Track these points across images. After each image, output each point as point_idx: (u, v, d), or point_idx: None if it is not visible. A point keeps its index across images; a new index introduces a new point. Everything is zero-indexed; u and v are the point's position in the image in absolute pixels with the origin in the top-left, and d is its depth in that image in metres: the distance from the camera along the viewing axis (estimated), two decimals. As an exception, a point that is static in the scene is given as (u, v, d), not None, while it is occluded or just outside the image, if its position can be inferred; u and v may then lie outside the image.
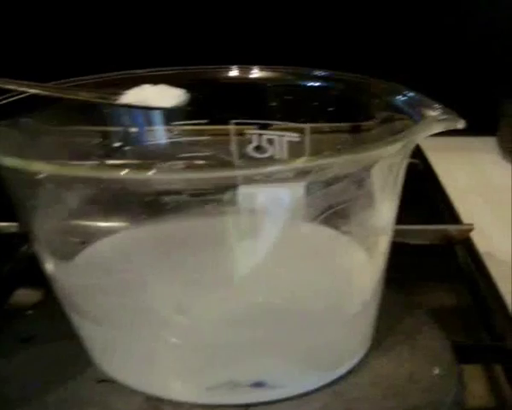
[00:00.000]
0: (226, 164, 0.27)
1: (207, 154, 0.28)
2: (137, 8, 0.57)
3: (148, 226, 0.23)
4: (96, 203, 0.22)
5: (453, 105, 0.25)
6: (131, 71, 0.27)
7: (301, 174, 0.19)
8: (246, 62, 0.29)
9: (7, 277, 0.39)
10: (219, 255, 0.23)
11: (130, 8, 0.57)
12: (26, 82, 0.23)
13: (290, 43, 0.57)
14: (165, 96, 0.23)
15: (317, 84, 0.26)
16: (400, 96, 0.24)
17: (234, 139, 0.27)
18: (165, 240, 0.22)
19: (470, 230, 0.39)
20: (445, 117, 0.21)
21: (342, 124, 0.26)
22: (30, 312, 0.30)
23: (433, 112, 0.21)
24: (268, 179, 0.18)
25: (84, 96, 0.24)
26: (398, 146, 0.20)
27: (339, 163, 0.19)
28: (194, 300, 0.23)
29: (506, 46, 0.57)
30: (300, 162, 0.18)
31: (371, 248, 0.24)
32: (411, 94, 0.23)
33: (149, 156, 0.27)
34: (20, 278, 0.39)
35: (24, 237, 0.43)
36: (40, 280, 0.40)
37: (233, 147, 0.28)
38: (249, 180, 0.19)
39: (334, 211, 0.21)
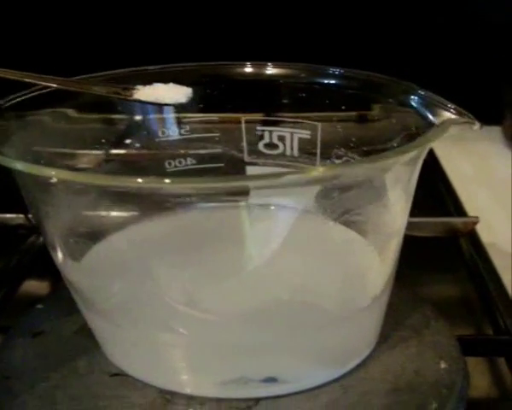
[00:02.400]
0: (237, 162, 0.28)
1: (218, 150, 0.28)
2: (147, 5, 0.57)
3: (160, 220, 0.23)
4: (105, 199, 0.22)
5: (457, 95, 0.25)
6: (144, 67, 0.27)
7: (316, 181, 0.19)
8: (252, 58, 0.29)
9: (15, 268, 0.39)
10: (232, 249, 0.23)
11: (140, 5, 0.57)
12: (43, 76, 0.24)
13: (295, 40, 0.57)
14: (175, 93, 0.24)
15: (330, 81, 0.26)
16: (414, 96, 0.24)
17: (244, 136, 0.28)
18: (177, 233, 0.23)
19: (475, 222, 0.40)
20: (461, 120, 0.21)
21: (350, 113, 0.26)
22: (40, 306, 0.31)
23: (447, 112, 0.22)
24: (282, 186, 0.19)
25: (98, 90, 0.24)
26: (414, 152, 0.20)
27: (355, 172, 0.19)
28: (206, 294, 0.23)
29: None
30: (318, 172, 0.18)
31: (383, 247, 0.24)
32: (424, 93, 0.24)
33: (160, 153, 0.28)
34: (28, 269, 0.39)
35: (30, 228, 0.43)
36: (48, 271, 0.41)
37: (243, 143, 0.28)
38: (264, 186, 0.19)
39: (347, 210, 0.22)
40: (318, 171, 0.18)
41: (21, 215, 0.42)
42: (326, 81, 0.26)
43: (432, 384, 0.25)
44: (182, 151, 0.27)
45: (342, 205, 0.21)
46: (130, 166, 0.27)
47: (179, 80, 0.25)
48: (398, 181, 0.22)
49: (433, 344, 0.27)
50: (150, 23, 0.57)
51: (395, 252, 0.24)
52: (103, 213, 0.23)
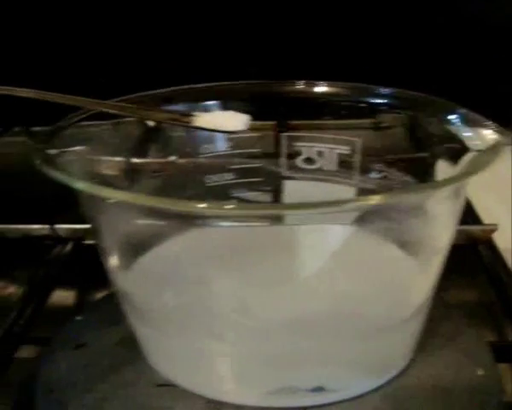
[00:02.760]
0: (275, 177, 0.28)
1: (256, 165, 0.29)
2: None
3: (212, 229, 0.23)
4: (159, 211, 0.23)
5: (466, 99, 0.26)
6: (190, 85, 0.28)
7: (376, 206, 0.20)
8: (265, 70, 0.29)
9: (43, 280, 0.39)
10: (282, 260, 0.24)
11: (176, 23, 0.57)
12: (103, 102, 0.24)
13: (294, 43, 0.57)
14: (234, 120, 0.24)
15: (374, 100, 0.27)
16: (454, 114, 0.25)
17: (284, 151, 0.28)
18: (228, 243, 0.23)
19: (494, 230, 0.41)
20: (504, 139, 0.22)
21: (389, 130, 0.27)
22: (79, 317, 0.31)
23: (486, 130, 0.23)
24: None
25: (158, 117, 0.25)
26: (466, 179, 0.21)
27: (406, 200, 0.20)
28: (256, 302, 0.24)
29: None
30: (371, 201, 0.19)
31: (427, 263, 0.25)
32: (464, 111, 0.24)
33: (201, 167, 0.28)
34: (56, 280, 0.40)
35: (56, 238, 0.44)
36: (75, 282, 0.41)
37: (282, 158, 0.29)
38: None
39: (393, 228, 0.22)
40: (379, 198, 0.19)
41: (47, 226, 0.43)
42: (369, 100, 0.27)
43: (470, 392, 0.26)
44: (221, 166, 0.28)
45: (388, 223, 0.22)
46: (173, 181, 0.28)
47: (225, 97, 0.25)
48: (446, 201, 0.23)
49: (467, 352, 0.28)
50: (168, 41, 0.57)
51: (438, 267, 0.25)
52: (156, 222, 0.23)
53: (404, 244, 0.23)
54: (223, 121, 0.24)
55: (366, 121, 0.27)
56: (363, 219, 0.22)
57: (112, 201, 0.21)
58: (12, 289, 0.41)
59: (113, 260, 0.25)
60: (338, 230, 0.23)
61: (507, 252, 0.42)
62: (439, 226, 0.24)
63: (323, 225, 0.22)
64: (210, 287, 0.24)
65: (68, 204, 0.48)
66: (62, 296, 0.39)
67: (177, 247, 0.23)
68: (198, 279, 0.24)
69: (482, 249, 0.40)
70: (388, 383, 0.26)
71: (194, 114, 0.24)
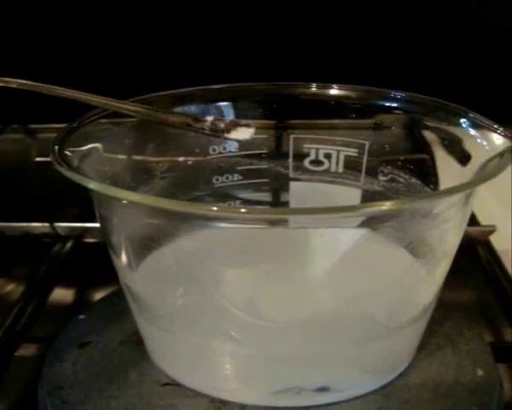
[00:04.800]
0: (282, 178, 0.29)
1: (264, 166, 0.29)
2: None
3: (220, 230, 0.24)
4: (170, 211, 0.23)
5: (463, 100, 0.26)
6: (208, 86, 0.28)
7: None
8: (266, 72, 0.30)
9: (43, 278, 0.39)
10: (290, 261, 0.24)
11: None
12: (123, 103, 0.24)
13: (293, 42, 0.57)
14: (242, 131, 0.25)
15: (383, 103, 0.28)
16: (464, 118, 0.25)
17: (291, 153, 0.29)
18: (239, 243, 0.23)
19: (492, 231, 0.41)
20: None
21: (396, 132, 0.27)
22: (82, 316, 0.31)
23: (494, 134, 0.23)
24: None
25: (172, 120, 0.25)
26: (481, 184, 0.22)
27: (418, 206, 0.20)
28: (264, 304, 0.24)
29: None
30: (384, 206, 0.19)
31: (434, 267, 0.25)
32: (473, 115, 0.25)
33: (209, 168, 0.29)
34: (56, 278, 0.40)
35: (55, 237, 0.44)
36: (75, 280, 0.41)
37: (290, 160, 0.29)
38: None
39: (402, 233, 0.23)
40: (387, 205, 0.19)
41: (46, 224, 0.43)
42: (379, 103, 0.27)
43: (471, 391, 0.26)
44: (229, 167, 0.28)
45: (398, 227, 0.22)
46: (181, 182, 0.28)
47: (238, 98, 0.26)
48: (455, 207, 0.23)
49: (468, 352, 0.29)
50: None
51: (444, 271, 0.26)
52: (166, 221, 0.23)
53: (413, 248, 0.23)
54: (235, 133, 0.25)
55: (373, 123, 0.27)
56: (374, 222, 0.22)
57: (124, 202, 0.21)
58: (11, 287, 0.41)
59: (122, 259, 0.25)
60: (348, 233, 0.23)
61: (504, 253, 0.42)
62: (449, 231, 0.24)
63: (334, 228, 0.23)
64: (218, 287, 0.24)
65: (68, 202, 0.49)
66: (62, 295, 0.39)
67: (187, 246, 0.24)
68: (206, 279, 0.24)
69: (480, 250, 0.41)
70: (391, 382, 0.27)
71: (205, 119, 0.25)
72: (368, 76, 0.30)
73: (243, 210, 0.19)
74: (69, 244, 0.42)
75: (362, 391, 0.26)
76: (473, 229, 0.42)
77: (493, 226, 0.41)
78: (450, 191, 0.20)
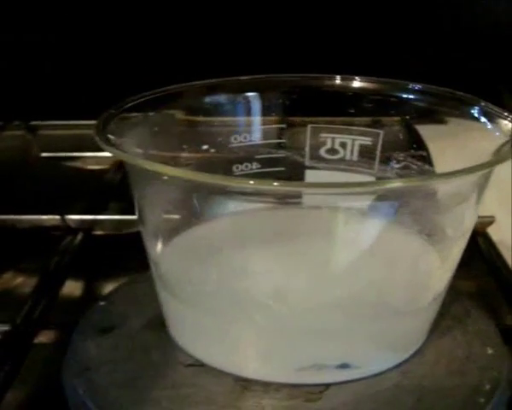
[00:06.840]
0: (298, 166, 0.30)
1: (281, 155, 0.30)
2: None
3: (249, 213, 0.25)
4: (204, 190, 0.24)
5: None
6: (235, 77, 0.29)
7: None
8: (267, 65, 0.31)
9: (55, 270, 0.40)
10: (315, 245, 0.25)
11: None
12: None
13: (292, 40, 0.59)
14: None
15: (400, 94, 0.29)
16: (475, 107, 0.26)
17: (308, 141, 0.30)
18: (265, 227, 0.25)
19: (491, 222, 0.42)
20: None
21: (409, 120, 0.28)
22: (102, 303, 0.32)
23: (505, 121, 0.24)
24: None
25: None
26: (496, 165, 0.23)
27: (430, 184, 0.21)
28: (290, 286, 0.25)
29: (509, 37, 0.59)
30: (399, 183, 0.20)
31: (448, 252, 0.27)
32: (484, 104, 0.26)
33: (229, 156, 0.30)
34: (68, 271, 0.40)
35: (66, 229, 0.44)
36: (87, 272, 0.42)
37: (306, 148, 0.30)
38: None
39: (418, 218, 0.24)
40: (400, 182, 0.20)
41: (57, 217, 0.43)
42: (397, 94, 0.29)
43: (482, 368, 0.27)
44: (249, 156, 0.29)
45: (415, 214, 0.24)
46: (203, 169, 0.29)
47: (266, 89, 0.27)
48: (470, 191, 0.24)
49: (477, 332, 0.30)
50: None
51: (458, 256, 0.27)
52: (198, 201, 0.24)
53: (428, 233, 0.25)
54: None
55: (388, 113, 0.28)
56: (391, 211, 0.24)
57: (165, 177, 0.22)
58: (23, 279, 0.41)
59: (154, 237, 0.26)
60: (369, 222, 0.24)
61: (502, 244, 0.44)
62: (463, 215, 0.25)
63: (357, 218, 0.24)
64: (244, 272, 0.25)
65: (74, 197, 0.49)
66: (74, 287, 0.40)
67: (217, 227, 0.25)
68: (232, 263, 0.25)
69: (480, 241, 0.42)
70: (407, 360, 0.28)
71: None
72: (370, 70, 0.31)
73: (275, 183, 0.20)
74: (79, 237, 0.43)
75: (381, 368, 0.27)
76: (473, 220, 0.43)
77: (492, 217, 0.43)
78: (469, 170, 0.21)
